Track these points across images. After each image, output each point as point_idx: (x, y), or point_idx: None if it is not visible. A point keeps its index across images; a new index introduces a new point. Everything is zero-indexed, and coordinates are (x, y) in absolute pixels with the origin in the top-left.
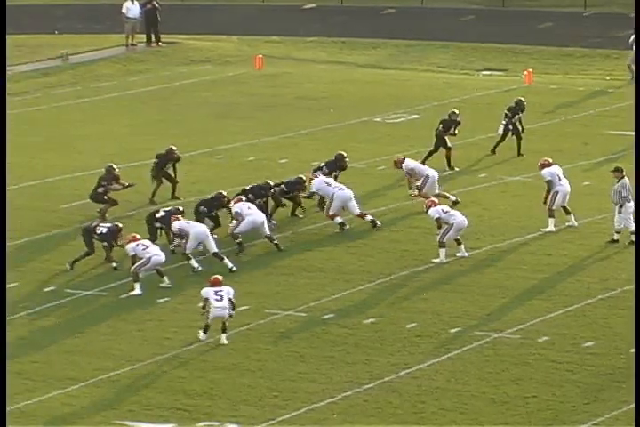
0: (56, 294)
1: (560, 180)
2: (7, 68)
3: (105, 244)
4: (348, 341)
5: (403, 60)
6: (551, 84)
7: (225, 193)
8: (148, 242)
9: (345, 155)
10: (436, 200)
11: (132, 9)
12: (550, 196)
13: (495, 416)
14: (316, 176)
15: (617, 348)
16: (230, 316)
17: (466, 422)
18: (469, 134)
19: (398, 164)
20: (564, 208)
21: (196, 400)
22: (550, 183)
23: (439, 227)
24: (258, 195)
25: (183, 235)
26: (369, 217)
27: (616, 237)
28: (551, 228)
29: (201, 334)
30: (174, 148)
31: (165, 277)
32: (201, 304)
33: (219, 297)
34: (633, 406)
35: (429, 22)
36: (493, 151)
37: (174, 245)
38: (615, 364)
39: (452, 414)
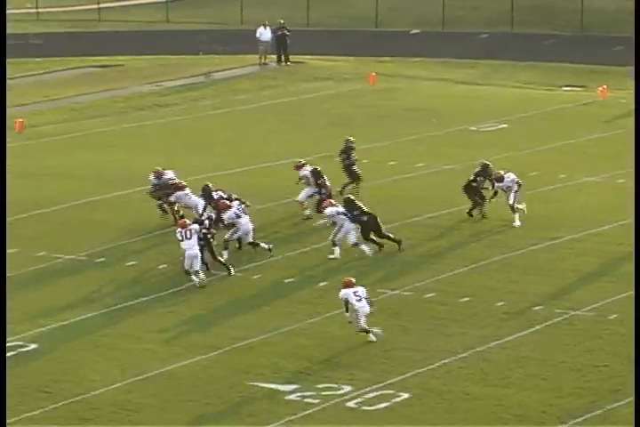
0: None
1: None
2: (158, 84)
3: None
4: (446, 316)
5: (494, 78)
6: (621, 98)
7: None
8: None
9: (489, 164)
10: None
11: (265, 34)
12: None
13: (572, 382)
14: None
15: None
16: (371, 311)
17: (547, 386)
18: (551, 141)
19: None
20: None
21: (316, 365)
22: None
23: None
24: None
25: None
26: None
27: None
28: None
29: (372, 337)
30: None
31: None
32: (344, 309)
33: (358, 297)
34: None
35: (517, 45)
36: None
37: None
38: None
39: (534, 379)
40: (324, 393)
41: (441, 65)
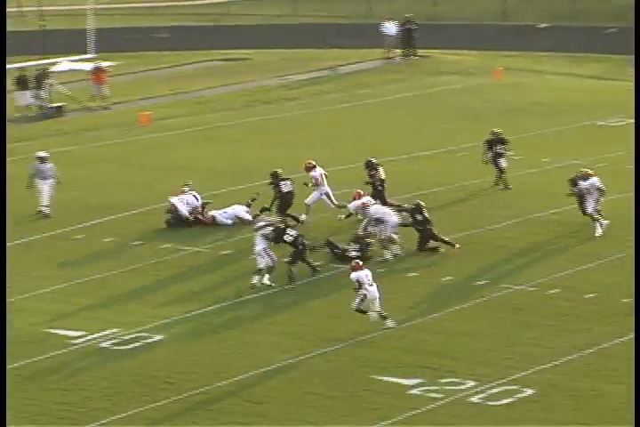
0: (321, 268)
1: None
2: (284, 77)
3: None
4: (570, 312)
5: (622, 73)
6: None
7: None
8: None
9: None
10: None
11: (390, 28)
12: None
13: None
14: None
15: None
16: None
17: None
18: None
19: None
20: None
21: (439, 360)
22: None
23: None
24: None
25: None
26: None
27: None
28: None
29: (373, 317)
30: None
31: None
32: (356, 287)
33: (369, 281)
34: None
35: None
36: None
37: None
38: None
39: None
40: (447, 388)
41: (569, 59)
